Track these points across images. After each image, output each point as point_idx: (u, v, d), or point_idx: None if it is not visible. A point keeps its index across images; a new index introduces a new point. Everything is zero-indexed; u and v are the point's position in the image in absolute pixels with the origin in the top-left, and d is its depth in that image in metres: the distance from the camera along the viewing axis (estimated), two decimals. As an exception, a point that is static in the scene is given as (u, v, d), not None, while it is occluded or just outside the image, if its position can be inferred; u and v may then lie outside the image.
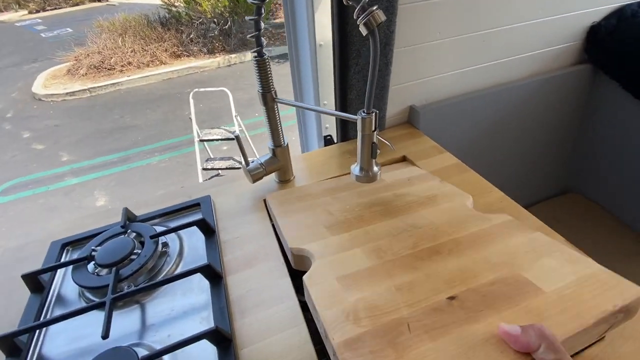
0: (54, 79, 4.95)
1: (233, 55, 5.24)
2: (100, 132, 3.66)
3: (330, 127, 0.83)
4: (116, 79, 4.76)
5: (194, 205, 0.60)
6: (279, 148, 0.60)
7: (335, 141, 0.81)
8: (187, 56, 5.29)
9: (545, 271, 0.39)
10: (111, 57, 5.02)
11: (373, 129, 0.45)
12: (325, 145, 0.82)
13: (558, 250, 0.42)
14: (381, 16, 0.35)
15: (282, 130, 0.60)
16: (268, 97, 0.54)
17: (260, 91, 0.54)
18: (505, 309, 0.34)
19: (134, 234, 0.52)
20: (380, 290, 0.38)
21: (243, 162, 0.60)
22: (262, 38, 0.49)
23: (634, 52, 0.82)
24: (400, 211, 0.53)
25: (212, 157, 2.51)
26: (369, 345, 0.31)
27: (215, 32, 5.49)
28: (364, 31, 0.36)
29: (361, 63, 0.65)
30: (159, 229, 0.53)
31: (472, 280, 0.38)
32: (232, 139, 2.37)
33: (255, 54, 0.51)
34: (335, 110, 0.75)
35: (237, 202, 0.62)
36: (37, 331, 0.43)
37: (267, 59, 0.52)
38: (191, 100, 2.40)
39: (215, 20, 5.46)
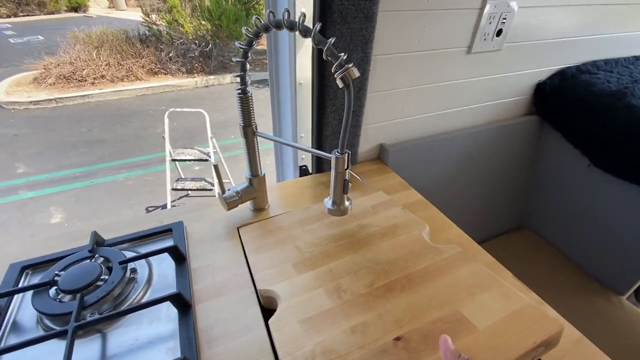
0: (19, 86, 4.71)
1: (212, 77, 5.28)
2: (63, 145, 3.48)
3: (306, 158, 0.86)
4: (87, 91, 4.61)
5: (165, 231, 0.60)
6: (255, 178, 0.63)
7: (310, 172, 0.85)
8: (165, 74, 5.26)
9: (481, 307, 0.45)
10: (83, 69, 4.89)
11: (346, 167, 0.49)
12: (301, 175, 0.86)
13: (496, 284, 0.48)
14: (355, 73, 0.40)
15: (259, 161, 0.62)
16: (249, 131, 0.57)
17: (242, 125, 0.57)
18: (442, 349, 0.39)
19: (102, 258, 0.51)
20: (337, 333, 0.42)
21: (219, 190, 0.61)
22: (246, 77, 0.53)
23: (573, 108, 0.94)
24: (362, 245, 0.57)
25: (182, 177, 2.47)
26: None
27: (196, 53, 5.53)
28: (340, 84, 0.41)
29: (337, 104, 0.71)
30: (129, 254, 0.52)
31: (417, 320, 0.43)
32: (205, 160, 2.35)
33: (240, 91, 0.54)
34: (312, 143, 0.79)
35: (210, 229, 0.63)
36: (-13, 362, 0.40)
37: (250, 96, 0.55)
38: (166, 119, 2.38)
39: (196, 41, 5.53)
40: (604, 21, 1.01)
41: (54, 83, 4.72)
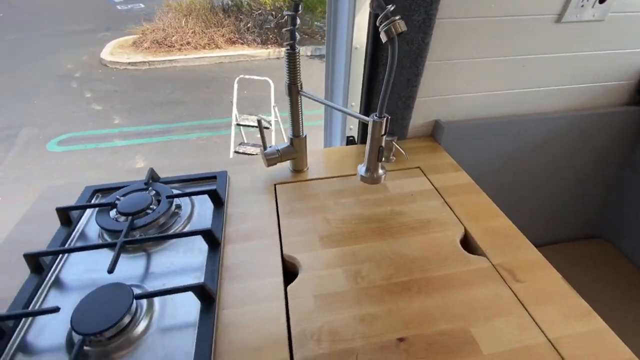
0: (121, 48, 5.36)
1: (284, 49, 5.37)
2: (151, 103, 3.92)
3: (354, 128, 0.85)
4: (174, 56, 5.07)
5: (211, 177, 0.65)
6: (297, 138, 0.64)
7: (356, 142, 0.83)
8: (241, 44, 5.51)
9: (492, 332, 0.42)
10: (173, 35, 5.35)
11: (383, 132, 0.47)
12: (347, 145, 0.85)
13: (516, 314, 0.44)
14: (402, 26, 0.37)
15: (302, 122, 0.63)
16: (293, 89, 0.58)
17: (287, 82, 0.58)
18: (442, 362, 0.37)
19: (154, 192, 0.58)
20: (346, 317, 0.43)
21: (261, 146, 0.64)
22: (295, 33, 0.52)
23: (691, 101, 0.76)
24: (391, 233, 0.55)
25: (245, 141, 2.62)
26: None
27: (272, 25, 5.66)
28: (383, 38, 0.38)
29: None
30: (176, 191, 0.58)
31: (426, 326, 0.42)
32: (268, 127, 2.45)
33: (288, 47, 0.54)
34: (360, 111, 0.77)
35: (251, 181, 0.66)
36: (60, 256, 0.49)
37: (298, 52, 0.55)
38: (235, 86, 2.51)
39: (273, 12, 5.64)
40: None
41: (149, 47, 5.27)
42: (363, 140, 0.80)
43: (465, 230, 0.57)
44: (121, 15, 7.23)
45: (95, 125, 3.44)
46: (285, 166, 0.70)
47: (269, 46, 5.50)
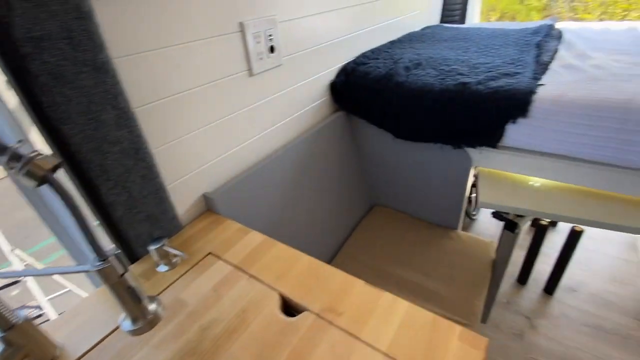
0: None
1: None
2: None
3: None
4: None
5: None
6: (10, 331, 0.42)
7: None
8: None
9: None
10: None
11: (121, 272, 0.36)
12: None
13: (355, 351, 0.44)
14: (50, 161, 0.27)
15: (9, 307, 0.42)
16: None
17: None
18: None
19: None
20: None
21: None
22: None
23: (362, 97, 1.05)
24: (210, 357, 0.45)
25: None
26: None
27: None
28: (30, 184, 0.27)
29: (112, 176, 0.55)
30: None
31: None
32: (17, 282, 1.72)
33: None
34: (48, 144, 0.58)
35: None
36: None
37: None
38: None
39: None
40: (361, 19, 1.17)
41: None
42: (130, 258, 0.64)
43: (281, 294, 0.54)
44: None
45: None
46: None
47: None
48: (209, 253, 0.65)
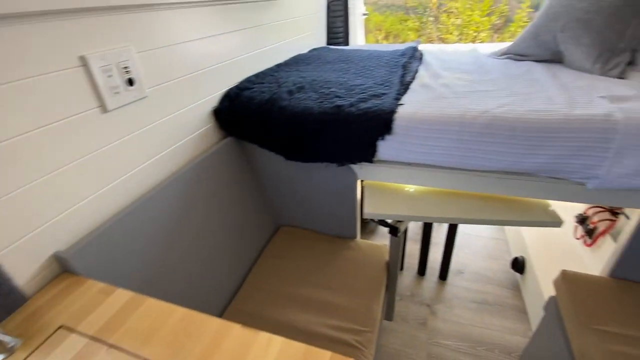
0: None
1: None
2: None
3: None
4: None
5: None
6: None
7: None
8: None
9: None
10: None
11: None
12: None
13: None
14: None
15: None
16: None
17: None
18: None
19: None
20: None
21: None
22: None
23: (249, 122, 1.04)
24: None
25: None
26: None
27: None
28: None
29: None
30: None
31: None
32: None
33: None
34: None
35: None
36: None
37: None
38: None
39: None
40: (245, 43, 1.17)
41: None
42: None
43: (147, 362, 0.48)
44: None
45: None
46: None
47: None
48: (60, 326, 0.55)
